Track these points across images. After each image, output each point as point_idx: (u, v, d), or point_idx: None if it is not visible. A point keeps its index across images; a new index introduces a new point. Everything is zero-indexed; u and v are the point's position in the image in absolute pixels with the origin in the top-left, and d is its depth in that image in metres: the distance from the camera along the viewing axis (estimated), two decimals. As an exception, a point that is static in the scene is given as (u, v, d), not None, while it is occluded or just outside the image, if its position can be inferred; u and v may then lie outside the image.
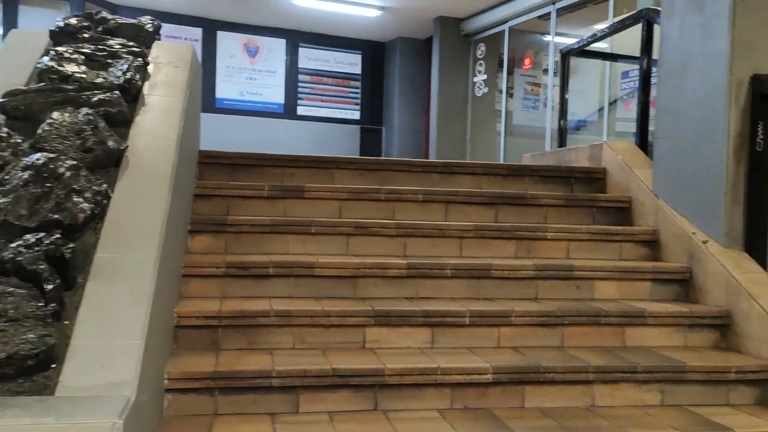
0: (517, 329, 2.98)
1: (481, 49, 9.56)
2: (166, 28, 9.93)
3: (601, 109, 8.37)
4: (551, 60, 8.80)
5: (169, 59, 3.20)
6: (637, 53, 4.50)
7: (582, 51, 5.36)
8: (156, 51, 3.26)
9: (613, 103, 8.08)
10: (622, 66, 7.53)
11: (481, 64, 9.57)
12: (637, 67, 6.52)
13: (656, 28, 4.16)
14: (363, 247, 3.43)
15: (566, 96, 5.37)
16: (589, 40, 4.96)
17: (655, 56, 4.21)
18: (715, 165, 3.30)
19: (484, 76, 9.50)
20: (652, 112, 4.39)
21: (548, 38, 8.73)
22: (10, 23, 8.59)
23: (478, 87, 9.60)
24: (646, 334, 3.06)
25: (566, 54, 5.25)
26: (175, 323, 2.69)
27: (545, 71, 9.42)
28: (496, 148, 9.41)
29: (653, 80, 4.34)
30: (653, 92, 4.36)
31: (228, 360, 2.57)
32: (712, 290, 3.23)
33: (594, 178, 4.25)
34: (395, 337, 2.89)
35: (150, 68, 3.11)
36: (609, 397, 2.75)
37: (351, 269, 3.12)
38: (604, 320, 3.03)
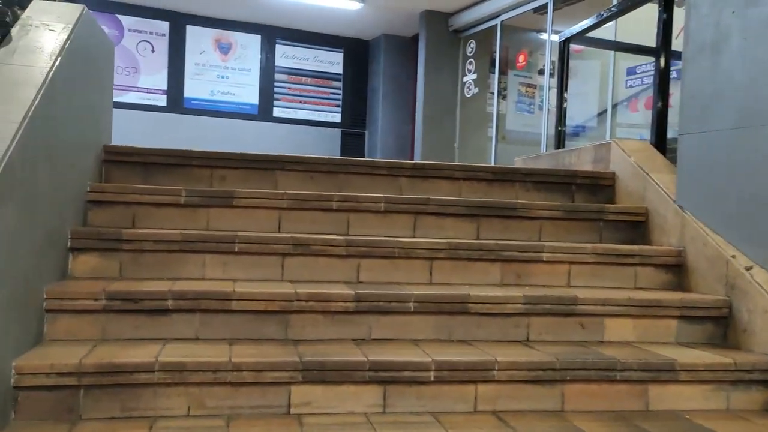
0: (502, 387, 2.20)
1: (471, 47, 8.81)
2: (129, 22, 9.21)
3: (601, 114, 7.64)
4: (548, 59, 8.06)
5: (45, 21, 2.42)
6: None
7: (584, 38, 4.61)
8: (30, 11, 2.48)
9: (615, 106, 7.34)
10: (627, 63, 6.80)
11: (471, 63, 8.82)
12: (647, 61, 5.76)
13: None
14: (303, 270, 2.64)
15: (565, 90, 4.61)
16: (595, 22, 4.20)
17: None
18: (762, 167, 2.53)
19: (474, 76, 8.74)
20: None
21: (544, 36, 7.98)
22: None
23: (468, 87, 8.84)
24: (677, 393, 2.28)
25: (566, 41, 4.50)
26: (12, 383, 1.89)
27: (541, 72, 8.67)
28: (487, 155, 8.64)
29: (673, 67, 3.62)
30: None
31: (80, 440, 1.78)
32: (760, 332, 2.44)
33: (600, 184, 3.47)
34: (333, 399, 2.10)
35: (14, 31, 2.32)
36: (628, 489, 1.97)
37: (280, 301, 2.34)
38: (620, 375, 2.25)
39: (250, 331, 2.32)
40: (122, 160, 3.05)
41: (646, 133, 4.66)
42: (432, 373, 2.15)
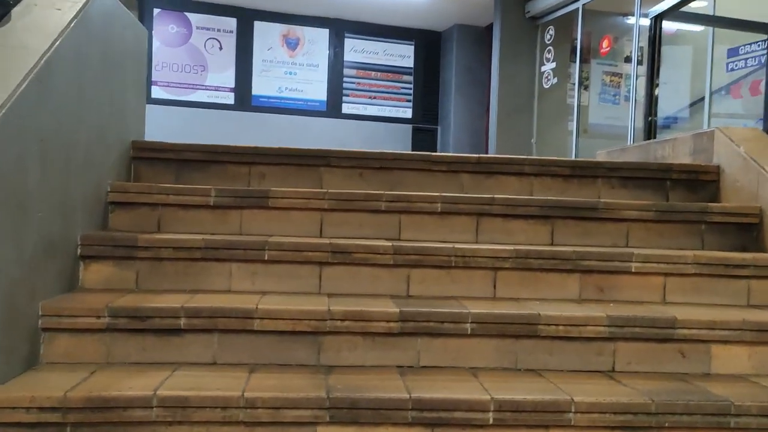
0: (580, 434, 1.75)
1: (550, 34, 8.20)
2: (197, 19, 9.17)
3: (693, 104, 6.90)
4: (635, 45, 7.36)
5: (53, 1, 2.16)
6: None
7: (679, 13, 4.03)
8: (41, -9, 2.24)
9: (712, 94, 6.58)
10: (724, 45, 6.06)
11: (549, 51, 8.21)
12: (753, 40, 5.08)
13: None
14: (344, 282, 2.28)
15: (657, 75, 4.04)
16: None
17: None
18: None
19: (553, 65, 8.13)
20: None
21: (631, 20, 7.30)
22: None
23: (546, 78, 8.24)
24: (813, 451, 1.76)
25: (658, 17, 3.93)
26: (-11, 418, 1.62)
27: (628, 59, 7.96)
28: (567, 150, 8.01)
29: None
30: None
31: (53, 492, 1.48)
32: None
33: (701, 180, 2.92)
34: (367, 445, 1.72)
35: (16, 11, 2.07)
36: None
37: (312, 320, 1.98)
38: (734, 422, 1.76)
39: (276, 355, 1.98)
40: (153, 157, 2.80)
41: (750, 124, 4.03)
42: (491, 415, 1.74)
